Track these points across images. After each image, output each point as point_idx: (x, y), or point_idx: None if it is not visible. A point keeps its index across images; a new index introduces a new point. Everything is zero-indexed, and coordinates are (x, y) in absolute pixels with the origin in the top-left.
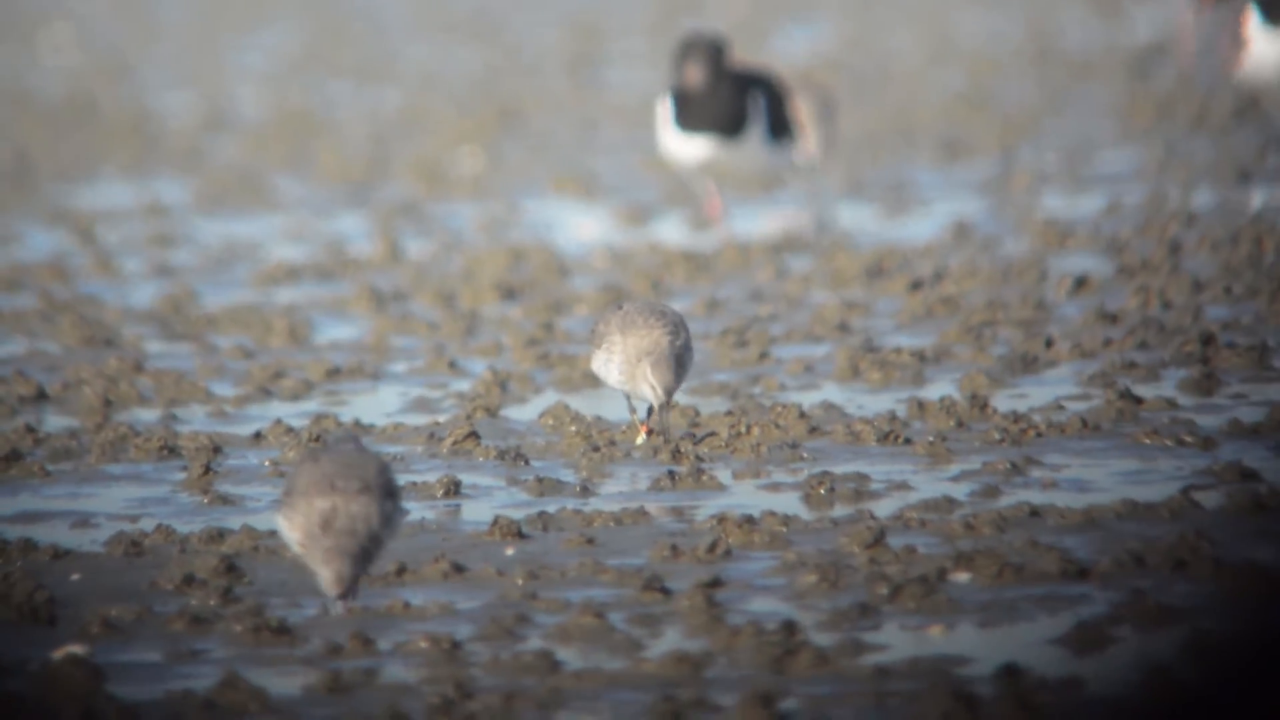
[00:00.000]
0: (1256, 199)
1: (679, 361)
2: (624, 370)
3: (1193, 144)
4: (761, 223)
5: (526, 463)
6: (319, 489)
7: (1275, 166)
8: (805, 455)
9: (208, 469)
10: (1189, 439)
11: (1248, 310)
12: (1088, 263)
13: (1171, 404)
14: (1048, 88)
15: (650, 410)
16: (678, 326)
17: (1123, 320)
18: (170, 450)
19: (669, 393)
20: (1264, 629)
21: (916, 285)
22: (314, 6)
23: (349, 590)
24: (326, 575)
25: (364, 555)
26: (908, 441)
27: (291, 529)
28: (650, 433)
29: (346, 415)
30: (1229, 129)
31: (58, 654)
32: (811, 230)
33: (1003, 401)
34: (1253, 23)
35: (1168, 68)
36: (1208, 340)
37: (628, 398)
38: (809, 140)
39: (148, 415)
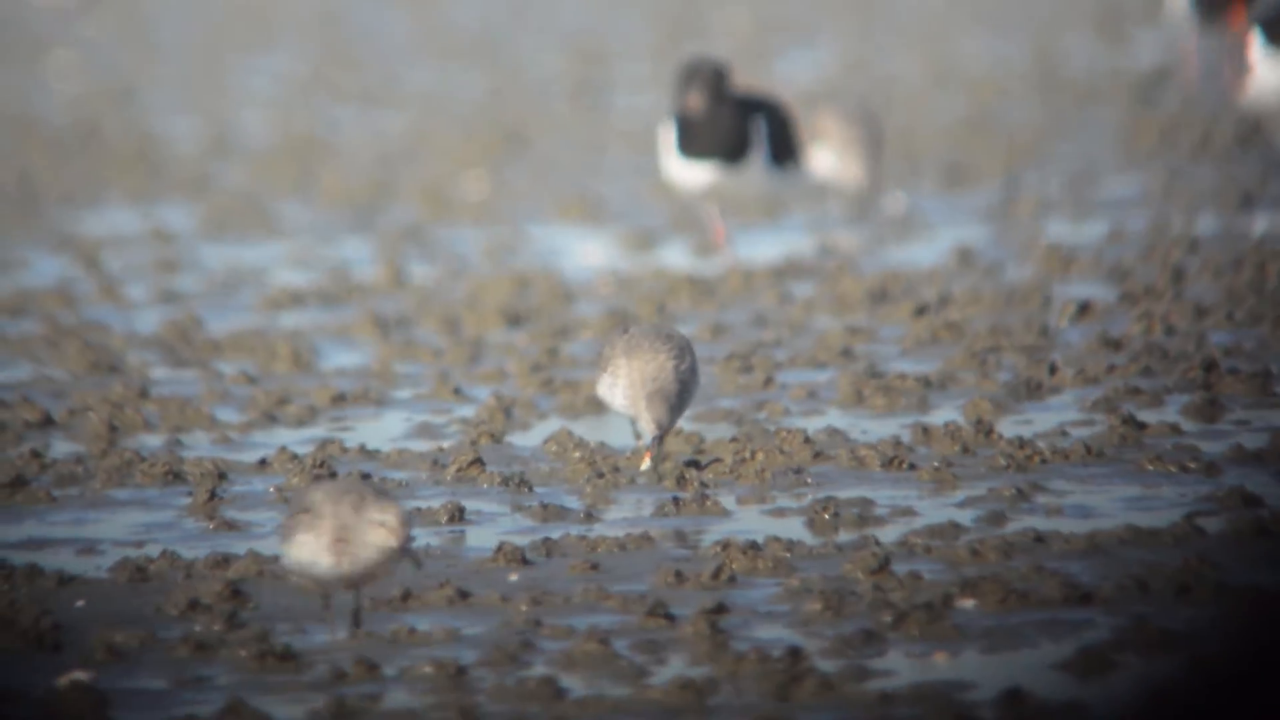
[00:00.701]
0: (1259, 225)
1: (683, 387)
2: (628, 395)
3: (1196, 170)
4: (766, 248)
5: (531, 489)
6: (334, 498)
7: (1278, 192)
8: (810, 481)
9: (213, 495)
10: (1192, 465)
11: (1251, 336)
12: (1091, 289)
13: (1175, 430)
14: (1051, 113)
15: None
16: (683, 351)
17: (1126, 346)
18: (175, 476)
19: (661, 428)
20: (1267, 654)
21: (921, 311)
22: (318, 31)
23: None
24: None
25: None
26: (912, 467)
27: (298, 550)
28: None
29: (351, 441)
30: (1232, 155)
31: (62, 680)
32: (852, 247)
33: (1007, 427)
34: (1257, 47)
35: (1171, 93)
36: (1211, 366)
37: (633, 423)
38: (857, 168)
39: (153, 441)
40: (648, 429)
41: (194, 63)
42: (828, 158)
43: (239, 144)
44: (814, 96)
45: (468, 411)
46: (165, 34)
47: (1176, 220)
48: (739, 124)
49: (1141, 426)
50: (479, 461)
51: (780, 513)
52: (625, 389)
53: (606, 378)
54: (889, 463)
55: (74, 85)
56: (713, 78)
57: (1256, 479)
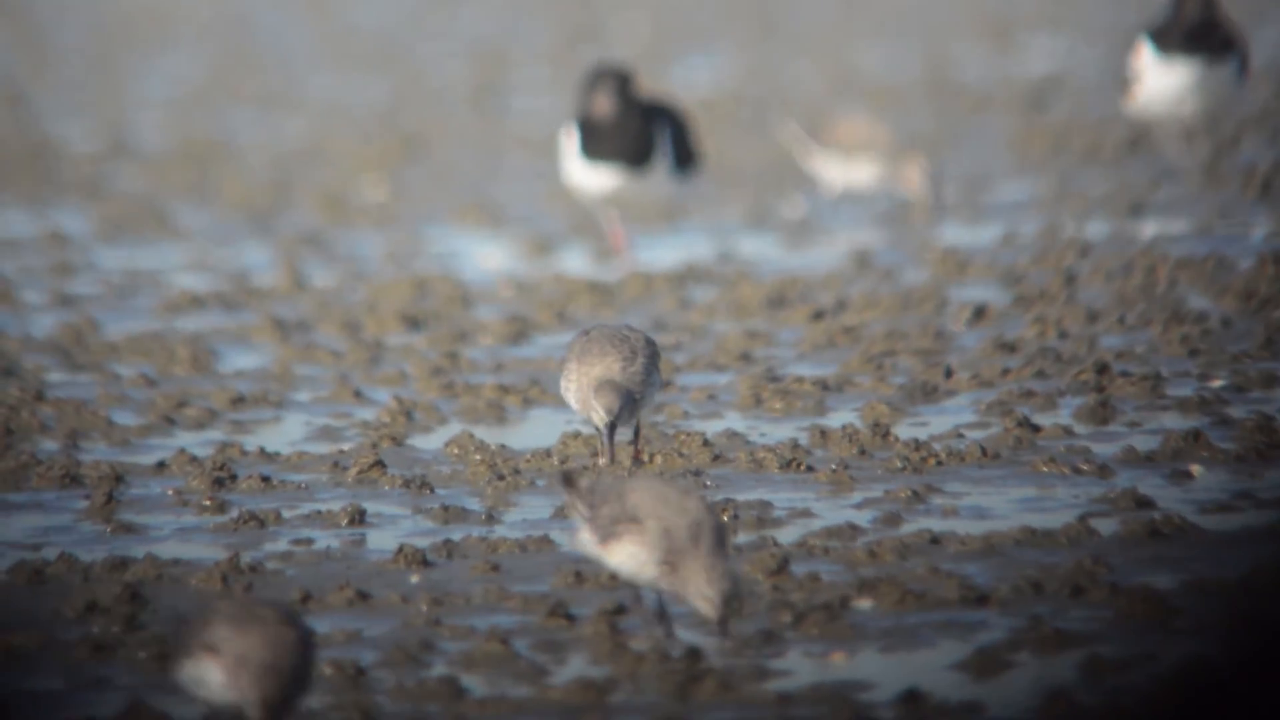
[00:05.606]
0: (1149, 230)
1: (634, 387)
2: (578, 398)
3: (1087, 176)
4: (665, 252)
5: (432, 491)
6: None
7: (1167, 198)
8: (709, 483)
9: (110, 498)
10: (1085, 467)
11: (1141, 339)
12: (986, 292)
13: (1068, 432)
14: (945, 119)
15: (636, 434)
16: (635, 353)
17: (1020, 349)
18: (72, 479)
19: (610, 414)
20: (1159, 654)
21: (818, 315)
22: (216, 34)
23: None
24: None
25: None
26: (810, 469)
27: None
28: (639, 456)
29: (251, 444)
30: (1122, 161)
31: None
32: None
33: (903, 430)
34: (1146, 55)
35: (1062, 100)
36: (1102, 369)
37: (595, 427)
38: (914, 173)
39: (49, 444)
40: (597, 420)
41: (89, 65)
42: (874, 167)
43: (136, 147)
44: (711, 103)
45: (368, 414)
46: (60, 36)
47: (1068, 225)
48: (644, 129)
49: (1036, 429)
50: (380, 464)
51: None
52: (576, 393)
53: (563, 381)
54: (787, 465)
55: None
56: (619, 82)
57: (1148, 481)
